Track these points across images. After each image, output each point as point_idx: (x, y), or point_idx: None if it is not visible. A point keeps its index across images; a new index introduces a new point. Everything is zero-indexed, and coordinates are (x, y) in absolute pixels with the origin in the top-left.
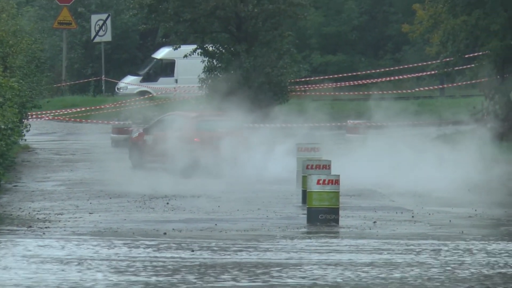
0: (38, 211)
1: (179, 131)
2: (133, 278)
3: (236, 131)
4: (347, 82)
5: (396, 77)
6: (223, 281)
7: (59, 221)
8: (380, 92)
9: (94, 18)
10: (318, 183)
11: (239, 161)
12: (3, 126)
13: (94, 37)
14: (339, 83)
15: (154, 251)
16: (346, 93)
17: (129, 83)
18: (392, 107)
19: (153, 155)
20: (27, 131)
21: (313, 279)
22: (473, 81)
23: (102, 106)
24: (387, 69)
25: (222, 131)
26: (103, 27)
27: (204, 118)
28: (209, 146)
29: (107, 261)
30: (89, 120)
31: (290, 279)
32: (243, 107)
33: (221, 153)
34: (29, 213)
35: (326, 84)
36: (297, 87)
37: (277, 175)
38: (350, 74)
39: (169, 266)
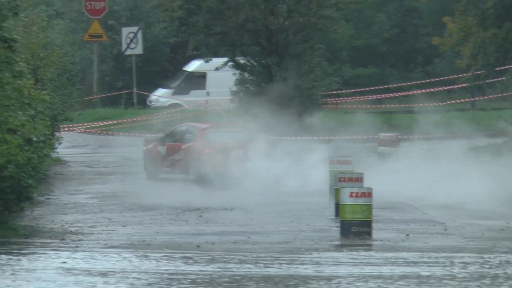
0: (71, 223)
1: (190, 141)
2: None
3: (250, 142)
4: (378, 95)
5: (427, 90)
6: None
7: (92, 233)
8: (411, 105)
9: (125, 31)
10: (351, 196)
11: (257, 172)
12: (35, 139)
13: (125, 49)
14: (370, 96)
15: (187, 264)
16: (378, 105)
17: (161, 96)
18: (423, 119)
19: (166, 166)
20: (59, 143)
21: None
22: (504, 94)
23: (134, 119)
24: (418, 81)
25: (234, 142)
26: (134, 40)
27: (215, 129)
28: (220, 157)
29: (139, 274)
30: (121, 133)
31: None
32: (274, 120)
33: (234, 164)
34: (62, 225)
35: (357, 97)
36: (328, 99)
37: (309, 187)
38: (381, 87)
39: (202, 279)
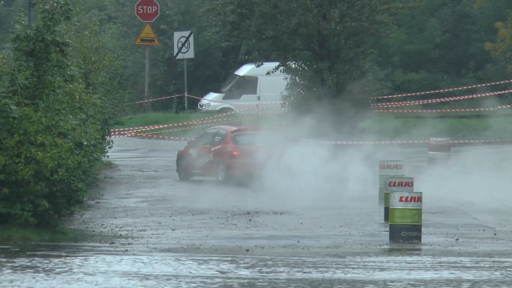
0: (121, 227)
1: (219, 144)
2: None
3: (279, 146)
4: (429, 100)
5: (479, 95)
6: None
7: (142, 237)
8: (462, 110)
9: (177, 35)
10: (400, 200)
11: (297, 177)
12: (85, 143)
13: (177, 54)
14: (421, 101)
15: (236, 268)
16: (429, 110)
17: (212, 100)
18: (474, 125)
19: (197, 168)
20: (110, 147)
21: None
22: None
23: (185, 123)
24: (470, 86)
25: (263, 145)
26: (186, 44)
27: (244, 132)
28: (248, 160)
29: (190, 278)
30: (171, 137)
31: None
32: (324, 124)
33: (266, 167)
34: (111, 229)
35: (408, 102)
36: (379, 104)
37: (359, 192)
38: (432, 92)
39: (250, 284)
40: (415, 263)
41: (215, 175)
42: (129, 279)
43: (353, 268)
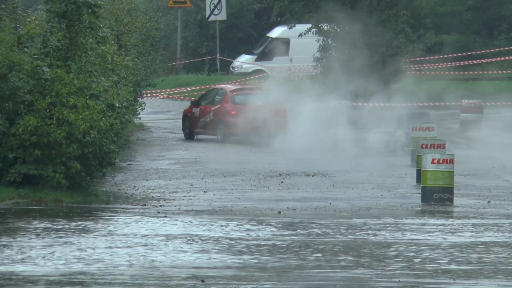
0: (153, 189)
1: (218, 103)
2: (246, 257)
3: (278, 106)
4: (461, 62)
5: (511, 57)
6: (340, 262)
7: (174, 199)
8: (494, 72)
9: None
10: (432, 162)
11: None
12: (118, 105)
13: (209, 16)
14: (453, 63)
15: (268, 230)
16: (461, 72)
17: (244, 62)
18: (507, 87)
19: (200, 127)
20: (142, 109)
21: (426, 259)
22: None
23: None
24: (502, 48)
25: (260, 105)
26: (218, 6)
27: (243, 92)
28: (247, 119)
29: (221, 240)
30: None
31: (399, 259)
32: (356, 86)
33: (264, 126)
34: (143, 191)
35: (440, 64)
36: (411, 66)
37: (390, 154)
38: (464, 54)
39: (282, 245)
40: (447, 225)
41: (215, 134)
42: (161, 240)
43: (385, 230)
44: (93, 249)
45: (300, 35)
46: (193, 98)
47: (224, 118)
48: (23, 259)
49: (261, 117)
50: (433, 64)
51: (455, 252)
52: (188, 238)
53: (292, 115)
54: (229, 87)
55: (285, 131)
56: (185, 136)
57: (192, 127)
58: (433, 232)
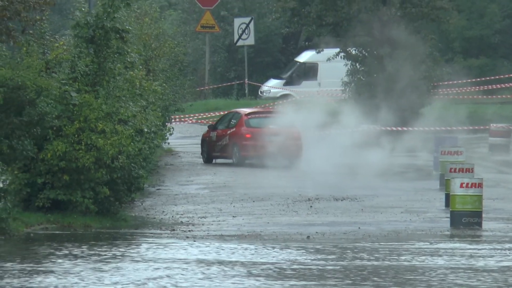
0: (182, 214)
1: (233, 127)
2: (270, 281)
3: (292, 129)
4: (489, 86)
5: None
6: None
7: (203, 224)
8: None
9: (237, 21)
10: (461, 186)
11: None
12: (146, 130)
13: (237, 40)
14: (481, 87)
15: (297, 255)
16: (489, 96)
17: (272, 86)
18: None
19: (217, 151)
20: (170, 134)
21: (453, 284)
22: None
23: None
24: None
25: (274, 128)
26: (246, 31)
27: (258, 115)
28: (261, 142)
29: (248, 265)
30: None
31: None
32: (385, 110)
33: (277, 149)
34: (172, 216)
35: (469, 88)
36: (439, 90)
37: (420, 178)
38: (492, 77)
39: (313, 270)
40: (476, 249)
41: (230, 157)
42: (191, 266)
43: (414, 255)
44: (123, 275)
45: (328, 59)
46: (210, 122)
47: (239, 142)
48: (56, 286)
49: (276, 140)
50: (461, 88)
51: (485, 276)
52: (223, 263)
53: (320, 139)
54: (244, 110)
55: (300, 154)
56: (204, 160)
57: (210, 151)
58: (462, 256)
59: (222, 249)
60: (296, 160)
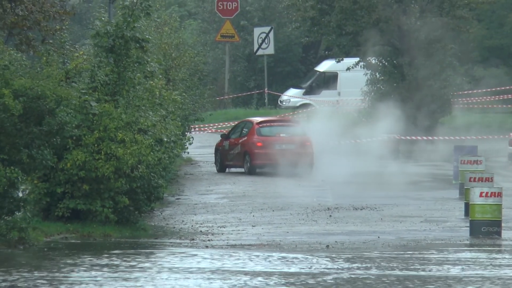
0: (201, 224)
1: (245, 136)
2: None
3: (303, 138)
4: (509, 95)
5: None
6: None
7: (222, 233)
8: None
9: (257, 31)
10: (481, 195)
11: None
12: (166, 139)
13: (257, 50)
14: (501, 96)
15: (316, 264)
16: (509, 105)
17: (292, 96)
18: None
19: (229, 160)
20: (190, 144)
21: None
22: None
23: None
24: None
25: (286, 137)
26: (266, 40)
27: (269, 124)
28: (272, 150)
29: (270, 275)
30: None
31: None
32: (405, 120)
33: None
34: (191, 226)
35: (488, 97)
36: (459, 99)
37: (439, 187)
38: None
39: (330, 280)
40: (496, 259)
41: (242, 166)
42: (210, 276)
43: (433, 264)
44: (142, 286)
45: (348, 68)
46: (223, 131)
47: (250, 150)
48: None
49: (287, 148)
50: (481, 97)
51: (510, 285)
52: (229, 272)
53: (339, 148)
54: (256, 119)
55: (312, 162)
56: (217, 169)
57: (223, 160)
58: (481, 265)
59: (243, 259)
60: (307, 168)
